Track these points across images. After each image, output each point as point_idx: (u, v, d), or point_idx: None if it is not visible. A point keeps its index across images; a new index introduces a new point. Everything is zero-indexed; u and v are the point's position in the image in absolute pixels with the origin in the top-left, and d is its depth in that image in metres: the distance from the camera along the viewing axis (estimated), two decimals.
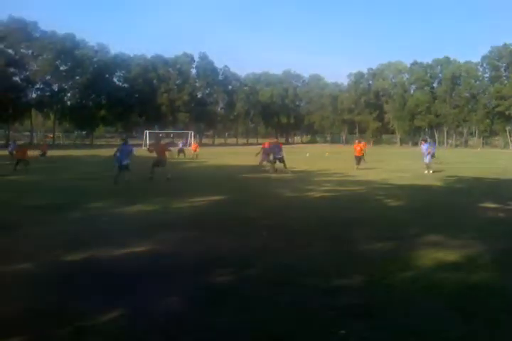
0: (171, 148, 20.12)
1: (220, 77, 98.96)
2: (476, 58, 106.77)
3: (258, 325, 4.31)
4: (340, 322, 4.36)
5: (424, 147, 23.19)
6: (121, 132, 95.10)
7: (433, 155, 23.04)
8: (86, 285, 5.43)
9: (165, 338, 4.05)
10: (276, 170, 21.99)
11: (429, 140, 25.93)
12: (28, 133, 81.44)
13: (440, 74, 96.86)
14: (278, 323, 4.35)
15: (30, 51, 73.38)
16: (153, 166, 18.25)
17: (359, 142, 25.59)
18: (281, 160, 22.59)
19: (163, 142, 20.94)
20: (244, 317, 4.48)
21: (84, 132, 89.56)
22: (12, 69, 70.60)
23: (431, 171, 21.74)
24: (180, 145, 40.48)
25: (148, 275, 5.85)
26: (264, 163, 23.73)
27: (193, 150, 39.14)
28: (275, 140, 27.58)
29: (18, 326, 4.27)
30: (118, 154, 17.27)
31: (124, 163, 17.01)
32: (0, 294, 5.10)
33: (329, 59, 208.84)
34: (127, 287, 5.38)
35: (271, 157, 22.90)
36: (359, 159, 24.22)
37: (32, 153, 28.79)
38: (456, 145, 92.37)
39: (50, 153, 38.50)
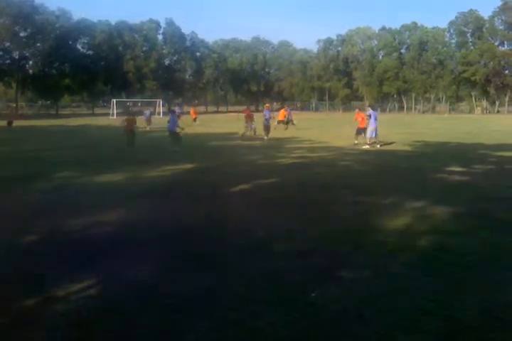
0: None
1: (188, 44, 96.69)
2: (443, 24, 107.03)
3: (232, 290, 4.37)
4: (311, 285, 4.47)
5: (371, 114, 19.28)
6: (88, 101, 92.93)
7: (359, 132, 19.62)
8: (54, 255, 5.38)
9: (138, 304, 4.07)
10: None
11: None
12: None
13: (408, 40, 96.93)
14: (252, 287, 4.43)
15: None
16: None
17: (359, 111, 21.44)
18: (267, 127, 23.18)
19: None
20: (219, 283, 4.54)
21: (48, 102, 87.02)
22: None
23: (367, 146, 18.42)
24: (148, 114, 39.55)
25: (121, 244, 5.84)
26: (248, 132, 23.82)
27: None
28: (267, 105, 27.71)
29: None
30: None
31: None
32: None
33: (298, 25, 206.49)
34: (100, 256, 5.36)
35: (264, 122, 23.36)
36: (360, 131, 19.78)
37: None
38: (424, 111, 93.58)
39: (14, 123, 37.37)
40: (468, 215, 7.15)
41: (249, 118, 23.91)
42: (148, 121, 36.45)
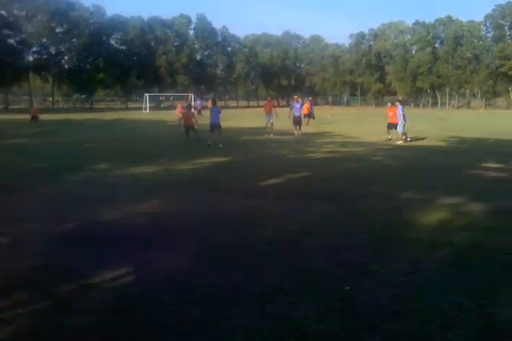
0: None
1: (219, 39, 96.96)
2: (479, 17, 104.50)
3: (264, 282, 4.39)
4: (344, 278, 4.45)
5: (400, 109, 18.96)
6: (121, 95, 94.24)
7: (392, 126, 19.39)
8: (92, 245, 5.50)
9: (171, 294, 4.13)
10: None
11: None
12: (27, 97, 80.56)
13: (442, 35, 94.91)
14: (284, 280, 4.45)
15: (23, 12, 71.47)
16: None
17: (391, 106, 21.07)
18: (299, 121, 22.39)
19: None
20: (250, 276, 4.57)
21: (83, 96, 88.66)
22: (7, 32, 68.96)
23: (399, 141, 18.26)
24: (198, 107, 37.61)
25: (153, 234, 5.93)
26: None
27: (178, 113, 34.42)
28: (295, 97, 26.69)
29: (25, 283, 4.35)
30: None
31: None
32: (6, 254, 5.19)
33: (330, 20, 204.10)
34: (132, 245, 5.46)
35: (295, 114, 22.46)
36: (391, 126, 19.47)
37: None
38: (459, 107, 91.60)
39: (49, 117, 38.20)
40: (506, 212, 7.00)
41: (269, 111, 23.05)
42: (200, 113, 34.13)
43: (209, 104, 31.53)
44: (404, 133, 18.54)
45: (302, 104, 24.77)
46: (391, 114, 19.52)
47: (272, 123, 22.15)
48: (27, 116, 33.13)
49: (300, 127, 22.27)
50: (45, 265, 4.83)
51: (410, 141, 18.42)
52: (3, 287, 4.23)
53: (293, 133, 21.80)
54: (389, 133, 19.27)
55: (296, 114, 22.40)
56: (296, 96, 26.16)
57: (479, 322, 3.57)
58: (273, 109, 22.90)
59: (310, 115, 29.56)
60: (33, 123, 30.99)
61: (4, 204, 7.53)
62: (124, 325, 3.58)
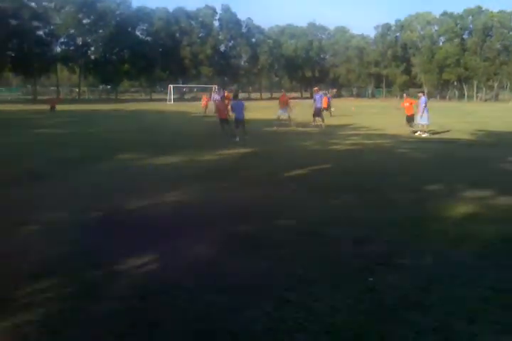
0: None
1: (244, 30, 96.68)
2: (510, 7, 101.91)
3: (289, 272, 4.42)
4: (370, 270, 4.45)
5: (422, 100, 18.29)
6: (146, 87, 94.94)
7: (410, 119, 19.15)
8: (115, 233, 5.60)
9: (197, 282, 4.18)
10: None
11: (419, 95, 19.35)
12: (54, 87, 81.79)
13: (471, 25, 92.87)
14: (309, 270, 4.47)
15: (52, 4, 72.49)
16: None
17: (407, 96, 21.14)
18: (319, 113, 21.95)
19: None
20: (276, 265, 4.59)
21: (108, 86, 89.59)
22: (36, 23, 70.03)
23: (425, 134, 17.90)
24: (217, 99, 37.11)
25: (178, 223, 6.00)
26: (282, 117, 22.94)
27: (203, 106, 34.84)
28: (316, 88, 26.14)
29: (54, 268, 4.46)
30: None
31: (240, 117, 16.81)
32: (35, 240, 5.31)
33: (355, 11, 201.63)
34: (157, 234, 5.54)
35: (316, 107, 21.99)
36: (410, 119, 19.41)
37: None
38: (486, 100, 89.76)
39: (75, 107, 38.69)
40: None
41: (283, 104, 22.90)
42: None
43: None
44: (424, 126, 18.20)
45: (322, 95, 24.48)
46: (407, 104, 19.36)
47: (289, 116, 22.08)
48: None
49: (322, 118, 22.00)
50: (71, 252, 4.93)
51: (424, 133, 18.01)
52: (34, 272, 4.35)
53: (316, 125, 21.62)
54: (412, 126, 18.98)
55: (317, 105, 22.18)
56: (316, 88, 26.06)
57: (506, 315, 3.54)
58: (288, 102, 22.87)
59: (328, 109, 29.27)
60: (52, 113, 32.73)
61: (36, 194, 7.71)
62: (150, 311, 3.65)
